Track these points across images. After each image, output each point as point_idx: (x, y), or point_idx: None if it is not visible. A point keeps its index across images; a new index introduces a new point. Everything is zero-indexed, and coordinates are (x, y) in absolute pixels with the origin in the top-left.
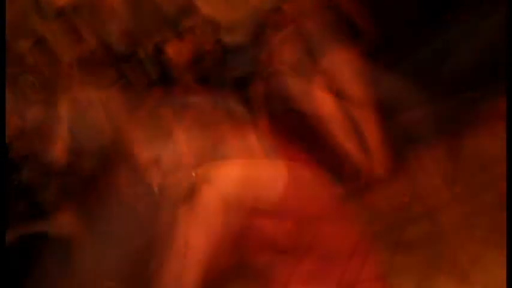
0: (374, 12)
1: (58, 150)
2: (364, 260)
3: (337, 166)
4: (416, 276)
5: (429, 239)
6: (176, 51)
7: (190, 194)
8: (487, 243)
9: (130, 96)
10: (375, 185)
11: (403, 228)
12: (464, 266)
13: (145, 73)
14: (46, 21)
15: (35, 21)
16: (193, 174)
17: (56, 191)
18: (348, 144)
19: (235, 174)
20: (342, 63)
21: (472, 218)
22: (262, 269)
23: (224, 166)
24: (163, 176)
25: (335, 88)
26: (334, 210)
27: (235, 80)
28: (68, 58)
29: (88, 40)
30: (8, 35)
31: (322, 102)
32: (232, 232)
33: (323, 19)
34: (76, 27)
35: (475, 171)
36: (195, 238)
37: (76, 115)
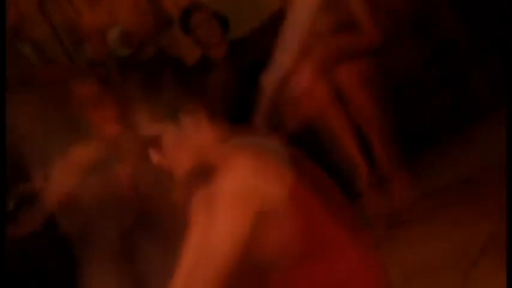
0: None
1: None
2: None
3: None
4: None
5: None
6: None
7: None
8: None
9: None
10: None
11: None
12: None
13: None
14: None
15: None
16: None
17: None
18: (351, 147)
19: (250, 164)
20: (349, 72)
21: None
22: (260, 276)
23: (239, 154)
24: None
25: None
26: (342, 211)
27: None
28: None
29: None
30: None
31: (326, 105)
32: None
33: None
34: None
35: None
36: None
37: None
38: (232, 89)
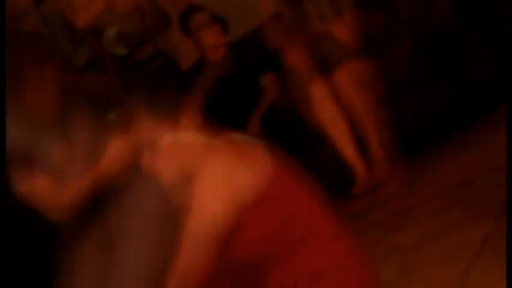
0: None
1: None
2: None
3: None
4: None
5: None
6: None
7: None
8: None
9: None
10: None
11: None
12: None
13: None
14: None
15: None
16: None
17: None
18: (347, 148)
19: (223, 163)
20: (347, 72)
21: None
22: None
23: (211, 152)
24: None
25: (338, 93)
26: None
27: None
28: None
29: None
30: None
31: (323, 105)
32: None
33: None
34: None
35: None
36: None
37: None
38: (227, 90)
